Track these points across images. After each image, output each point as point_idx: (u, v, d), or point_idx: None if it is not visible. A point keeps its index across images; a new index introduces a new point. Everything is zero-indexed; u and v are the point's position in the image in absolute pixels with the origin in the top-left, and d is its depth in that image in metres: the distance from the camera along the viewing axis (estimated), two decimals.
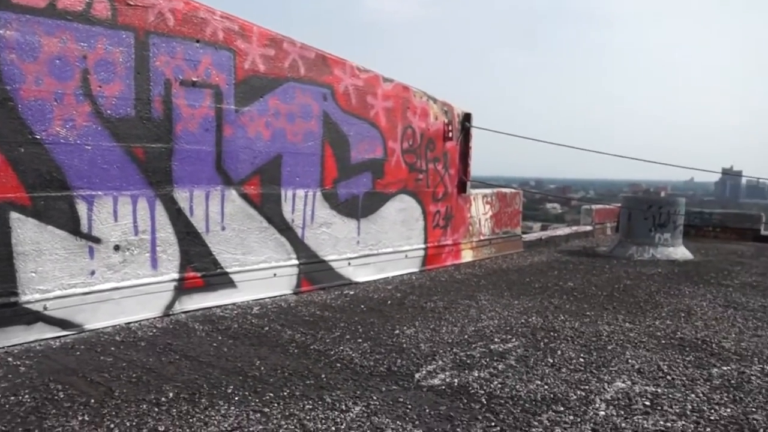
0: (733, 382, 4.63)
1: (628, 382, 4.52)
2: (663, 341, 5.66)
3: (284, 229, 7.09)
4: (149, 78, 5.66)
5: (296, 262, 7.25)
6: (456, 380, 4.47)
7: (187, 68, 5.93)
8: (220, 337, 5.34)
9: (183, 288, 6.13)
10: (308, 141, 7.19)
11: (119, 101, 5.45)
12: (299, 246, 7.29)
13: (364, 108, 7.92)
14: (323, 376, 4.46)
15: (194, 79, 5.98)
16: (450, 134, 9.48)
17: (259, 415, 3.75)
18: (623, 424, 3.77)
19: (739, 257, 12.33)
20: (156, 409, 3.77)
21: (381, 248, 8.44)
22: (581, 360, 5.02)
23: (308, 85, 7.14)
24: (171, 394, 4.02)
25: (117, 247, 5.59)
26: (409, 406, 3.96)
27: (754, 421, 3.90)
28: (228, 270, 6.55)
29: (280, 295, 7.04)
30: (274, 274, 7.00)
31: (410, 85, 8.72)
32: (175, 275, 6.06)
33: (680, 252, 11.77)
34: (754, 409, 4.10)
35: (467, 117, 9.91)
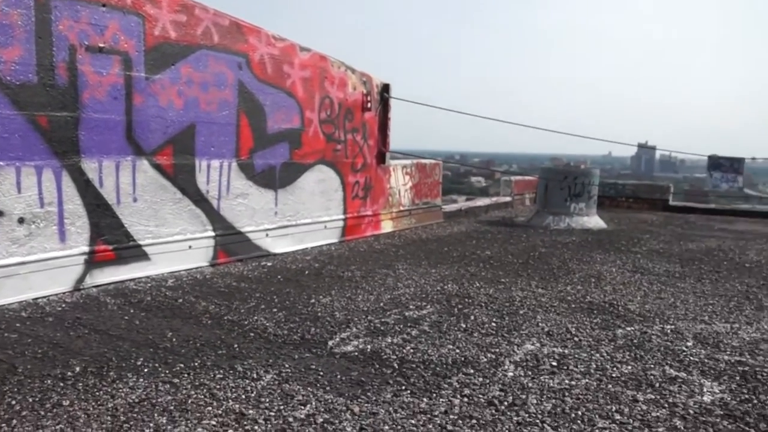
0: (635, 341, 4.80)
1: (537, 345, 4.64)
2: (573, 305, 5.83)
3: (199, 200, 6.97)
4: (52, 43, 5.43)
5: (212, 233, 7.15)
6: (369, 347, 4.50)
7: (93, 33, 5.71)
8: (132, 311, 5.22)
9: (94, 261, 5.97)
10: (223, 110, 7.06)
11: (19, 67, 5.21)
12: (215, 217, 7.18)
13: (280, 77, 7.82)
14: (236, 345, 4.42)
15: (101, 45, 5.78)
16: (369, 105, 9.46)
17: (168, 386, 3.69)
18: (530, 384, 3.87)
19: (649, 226, 12.77)
20: (61, 384, 3.67)
21: (299, 219, 8.39)
22: (493, 324, 5.12)
23: (222, 53, 6.99)
24: (78, 369, 3.91)
25: (21, 220, 5.38)
26: (321, 373, 3.97)
27: (652, 377, 4.06)
28: (141, 242, 6.40)
29: (196, 268, 6.94)
30: (190, 246, 6.88)
31: (328, 54, 8.64)
32: (85, 248, 5.89)
33: (594, 221, 12.11)
34: (652, 366, 4.27)
35: (386, 88, 9.90)
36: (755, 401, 3.76)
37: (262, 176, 7.72)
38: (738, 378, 4.13)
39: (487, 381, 3.91)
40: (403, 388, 3.78)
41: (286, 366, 4.08)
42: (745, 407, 3.66)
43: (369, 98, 9.46)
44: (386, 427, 3.25)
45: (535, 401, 3.62)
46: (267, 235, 7.89)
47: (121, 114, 6.05)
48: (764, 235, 11.84)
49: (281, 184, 8.03)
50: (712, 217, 15.41)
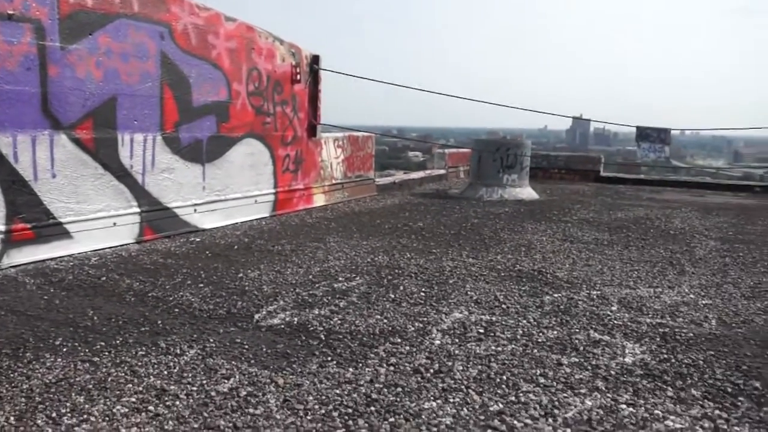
0: (562, 307, 4.86)
1: (465, 313, 4.65)
2: (502, 274, 5.87)
3: (123, 175, 6.76)
4: None
5: (137, 210, 6.95)
6: (296, 319, 4.44)
7: (1, 0, 5.44)
8: (52, 290, 5.04)
9: (11, 241, 5.74)
10: (145, 82, 6.84)
11: None
12: (140, 193, 6.98)
13: (205, 48, 7.61)
14: (159, 322, 4.31)
15: (10, 12, 5.50)
16: (298, 77, 9.31)
17: (87, 364, 3.57)
18: (457, 351, 3.87)
19: (581, 196, 12.98)
20: None
21: (229, 194, 8.24)
22: (422, 294, 5.11)
23: (143, 22, 6.76)
24: None
25: None
26: (246, 347, 3.90)
27: (576, 341, 4.12)
28: (62, 220, 6.18)
29: (122, 245, 6.75)
30: (114, 223, 6.69)
31: (255, 25, 8.45)
32: (1, 227, 5.65)
33: (527, 192, 12.25)
34: (577, 330, 4.33)
35: (315, 59, 9.76)
36: (673, 360, 3.84)
37: (189, 150, 7.53)
38: (658, 339, 4.21)
39: (414, 349, 3.89)
40: (329, 359, 3.74)
41: (211, 341, 3.99)
42: (663, 366, 3.74)
43: (298, 70, 9.31)
44: (310, 398, 3.20)
45: (460, 368, 3.62)
46: (195, 210, 7.72)
47: (36, 86, 5.79)
48: (689, 204, 12.17)
49: (209, 158, 7.85)
50: (642, 187, 15.77)
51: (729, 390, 3.46)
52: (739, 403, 3.30)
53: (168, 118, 7.20)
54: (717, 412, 3.20)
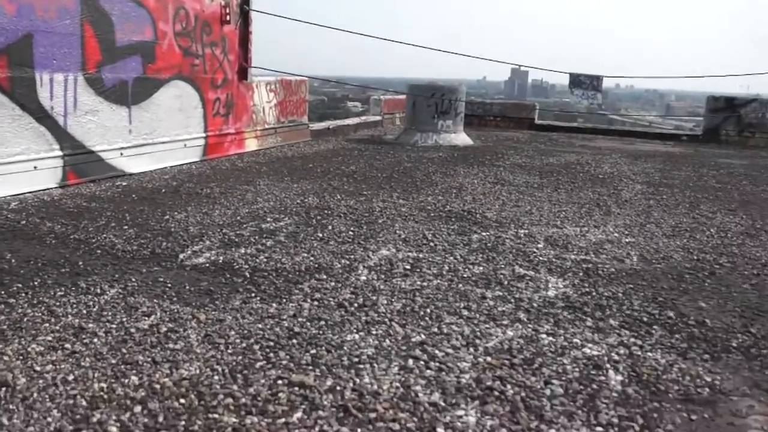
0: (489, 245, 4.91)
1: (393, 250, 4.66)
2: (432, 214, 5.89)
3: (43, 117, 6.49)
4: None
5: (60, 153, 6.71)
6: (221, 258, 4.38)
7: None
8: None
9: None
10: (64, 19, 6.54)
11: None
12: (62, 136, 6.73)
13: None
14: (80, 263, 4.20)
15: None
16: (228, 17, 9.05)
17: (2, 306, 3.45)
18: (382, 287, 3.88)
19: (515, 143, 13.09)
20: None
21: (157, 137, 8.02)
22: (350, 233, 5.10)
23: None
24: None
25: None
26: (169, 285, 3.83)
27: (501, 276, 4.17)
28: None
29: (44, 190, 6.51)
30: (35, 167, 6.44)
31: None
32: None
33: (461, 138, 12.28)
34: (503, 266, 4.38)
35: (246, 0, 9.49)
36: (594, 293, 3.93)
37: (113, 92, 7.28)
38: (581, 274, 4.30)
39: (339, 285, 3.89)
40: (253, 295, 3.71)
41: (133, 280, 3.91)
42: (584, 299, 3.82)
43: (228, 10, 9.04)
44: (232, 333, 3.17)
45: (385, 302, 3.63)
46: (122, 154, 7.50)
47: None
48: (619, 151, 12.40)
49: (135, 101, 7.61)
50: (575, 135, 15.97)
51: (645, 320, 3.56)
52: (654, 331, 3.40)
53: (90, 57, 6.92)
54: (632, 339, 3.28)
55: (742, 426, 2.52)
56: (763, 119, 14.71)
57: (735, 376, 2.93)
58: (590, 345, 3.18)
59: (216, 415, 2.43)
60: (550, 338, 3.23)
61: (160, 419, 2.40)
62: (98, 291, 3.71)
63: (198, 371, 2.78)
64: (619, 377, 2.86)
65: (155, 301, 3.58)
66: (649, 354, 3.11)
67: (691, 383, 2.84)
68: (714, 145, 14.29)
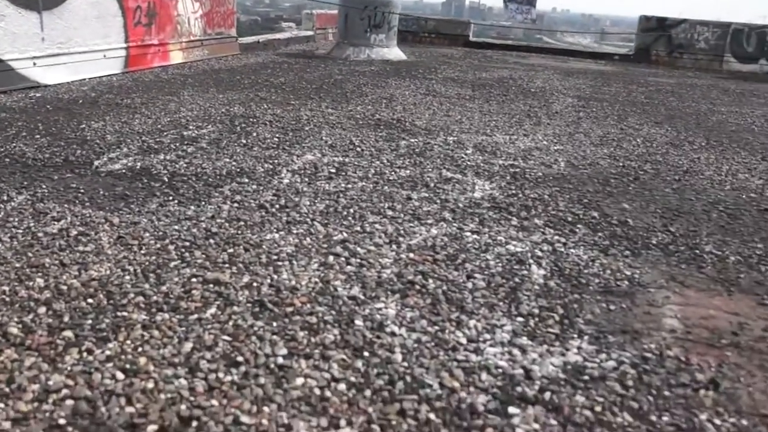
0: (417, 150, 4.83)
1: (318, 155, 4.54)
2: (360, 122, 5.76)
3: None
4: None
5: None
6: (139, 164, 4.19)
7: None
8: None
9: None
10: None
11: None
12: None
13: None
14: None
15: None
16: None
17: None
18: (305, 189, 3.78)
19: (449, 59, 12.94)
20: None
21: (73, 47, 7.59)
22: (275, 140, 4.95)
23: None
24: None
25: None
26: (82, 191, 3.64)
27: (428, 179, 4.11)
28: None
29: None
30: None
31: None
32: None
33: (394, 53, 12.06)
34: (430, 170, 4.32)
35: None
36: (520, 195, 3.90)
37: None
38: (509, 178, 4.27)
39: (261, 188, 3.77)
40: (171, 198, 3.56)
41: (43, 187, 3.70)
42: (510, 200, 3.79)
43: None
44: (147, 235, 3.03)
45: (308, 203, 3.54)
46: (35, 63, 7.08)
47: None
48: (553, 68, 12.39)
49: (46, 6, 7.14)
50: (509, 52, 15.89)
51: (569, 219, 3.55)
52: (577, 230, 3.39)
53: None
54: (556, 237, 3.28)
55: (658, 314, 2.54)
56: (691, 41, 14.88)
57: (653, 271, 2.95)
58: (514, 242, 3.15)
59: (125, 313, 2.32)
60: (475, 236, 3.20)
61: (66, 319, 2.28)
62: (5, 198, 3.50)
63: (108, 272, 2.65)
64: (542, 272, 2.85)
65: (66, 206, 3.40)
66: (572, 250, 3.11)
67: (611, 277, 2.85)
68: (644, 65, 14.43)
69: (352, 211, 3.43)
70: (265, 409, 1.84)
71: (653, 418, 1.92)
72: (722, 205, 3.95)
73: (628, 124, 6.53)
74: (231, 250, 2.87)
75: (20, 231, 3.06)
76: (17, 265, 2.69)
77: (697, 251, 3.21)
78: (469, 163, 4.54)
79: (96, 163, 4.20)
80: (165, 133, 5.02)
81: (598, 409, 1.93)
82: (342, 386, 1.95)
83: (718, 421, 1.92)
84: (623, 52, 16.92)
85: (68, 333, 2.18)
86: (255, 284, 2.56)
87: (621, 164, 4.83)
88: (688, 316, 2.54)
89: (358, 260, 2.82)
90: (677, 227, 3.52)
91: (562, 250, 3.10)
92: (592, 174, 4.50)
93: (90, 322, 2.26)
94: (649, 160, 5.01)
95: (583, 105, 7.67)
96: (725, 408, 1.99)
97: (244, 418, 1.79)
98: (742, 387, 2.10)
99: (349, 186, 3.85)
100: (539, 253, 3.04)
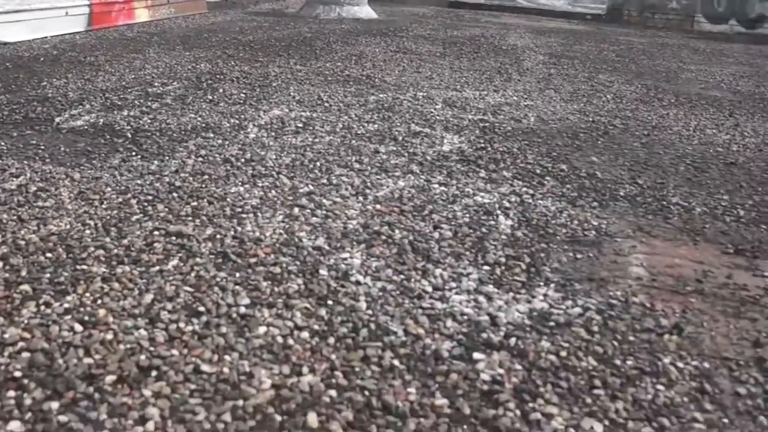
0: (386, 105, 4.78)
1: (286, 110, 4.47)
2: (329, 78, 5.68)
3: None
4: None
5: None
6: (102, 120, 4.10)
7: None
8: None
9: None
10: None
11: None
12: None
13: None
14: None
15: None
16: None
17: None
18: (271, 143, 3.73)
19: (420, 17, 12.79)
20: None
21: (33, 3, 7.38)
22: (242, 95, 4.86)
23: None
24: None
25: None
26: (42, 147, 3.56)
27: (396, 133, 4.07)
28: None
29: None
30: None
31: None
32: None
33: (365, 11, 11.89)
34: (398, 125, 4.28)
35: None
36: (489, 149, 3.88)
37: None
38: (478, 132, 4.24)
39: (227, 142, 3.70)
40: (134, 153, 3.49)
41: (2, 144, 3.61)
42: (479, 153, 3.77)
43: None
44: (108, 189, 2.98)
45: (273, 157, 3.49)
46: None
47: None
48: (524, 27, 12.30)
49: None
50: (482, 12, 15.74)
51: (538, 171, 3.54)
52: (546, 182, 3.38)
53: None
54: (524, 189, 3.26)
55: (624, 263, 2.54)
56: (663, 1, 14.84)
57: (620, 221, 2.95)
58: (482, 194, 3.14)
59: (85, 267, 2.28)
60: (442, 188, 3.17)
61: (23, 273, 2.23)
62: None
63: (68, 226, 2.60)
64: (509, 222, 2.83)
65: (26, 162, 3.32)
66: (540, 202, 3.10)
67: (578, 227, 2.85)
68: (616, 25, 14.38)
69: (318, 164, 3.39)
70: (227, 357, 1.81)
71: (617, 362, 1.92)
72: (690, 159, 3.96)
73: (599, 81, 6.50)
74: (195, 204, 2.83)
75: None
76: None
77: (664, 203, 3.21)
78: (438, 117, 4.50)
79: (57, 119, 4.10)
80: (129, 90, 4.90)
81: (563, 354, 1.93)
82: (305, 334, 1.93)
83: (681, 364, 1.93)
84: (595, 12, 16.85)
85: (25, 287, 2.13)
86: (218, 236, 2.52)
87: (591, 119, 4.81)
88: (653, 265, 2.54)
89: (324, 212, 2.79)
90: (645, 179, 3.53)
91: (530, 201, 3.09)
92: (562, 128, 4.48)
93: (48, 276, 2.21)
94: (618, 116, 5.00)
95: (554, 62, 7.63)
96: (688, 352, 2.00)
97: (205, 367, 1.76)
98: (705, 331, 2.12)
99: (317, 140, 3.80)
100: (507, 204, 3.02)
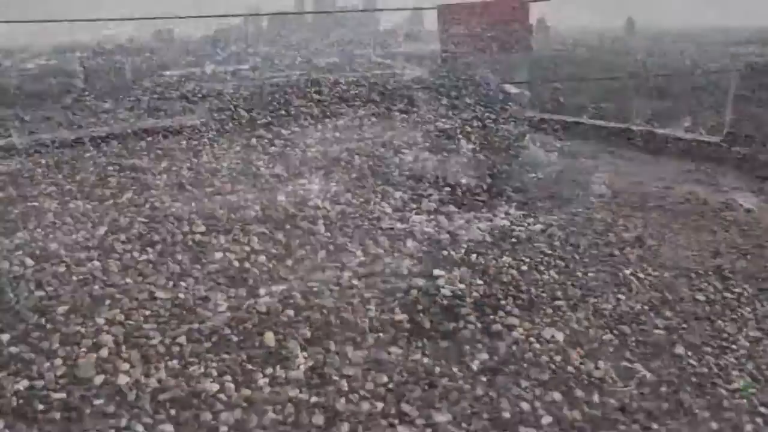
0: None
1: None
2: None
3: None
4: None
5: None
6: None
7: None
8: None
9: None
10: None
11: None
12: None
13: None
14: None
15: None
16: None
17: None
18: (229, 78, 3.63)
19: None
20: None
21: None
22: None
23: None
24: None
25: None
26: None
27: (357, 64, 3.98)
28: None
29: None
30: None
31: None
32: None
33: None
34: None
35: None
36: (451, 77, 3.81)
37: None
38: (439, 62, 4.17)
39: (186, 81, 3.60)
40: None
41: None
42: (441, 81, 3.70)
43: None
44: (61, 128, 2.88)
45: (231, 91, 3.40)
46: None
47: None
48: None
49: None
50: None
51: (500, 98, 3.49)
52: (508, 107, 3.35)
53: None
54: (486, 114, 3.23)
55: (587, 181, 2.53)
56: None
57: (584, 145, 2.93)
58: (443, 120, 3.12)
59: (36, 204, 2.21)
60: (403, 115, 3.15)
61: None
62: None
63: (20, 166, 2.52)
64: (470, 146, 2.80)
65: None
66: (503, 126, 3.08)
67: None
68: None
69: (277, 96, 3.32)
70: (182, 283, 1.78)
71: (579, 274, 1.92)
72: None
73: None
74: (150, 138, 2.76)
75: None
76: None
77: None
78: (400, 50, 4.42)
79: None
80: None
81: (524, 268, 1.92)
82: (262, 258, 1.90)
83: (641, 275, 1.93)
84: None
85: None
86: (174, 168, 2.47)
87: None
88: (617, 183, 2.54)
89: (282, 141, 2.73)
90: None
91: (493, 125, 3.07)
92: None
93: None
94: None
95: None
96: (649, 263, 2.00)
97: (160, 293, 1.73)
98: (665, 244, 2.12)
99: (275, 75, 3.72)
100: (469, 129, 2.99)
